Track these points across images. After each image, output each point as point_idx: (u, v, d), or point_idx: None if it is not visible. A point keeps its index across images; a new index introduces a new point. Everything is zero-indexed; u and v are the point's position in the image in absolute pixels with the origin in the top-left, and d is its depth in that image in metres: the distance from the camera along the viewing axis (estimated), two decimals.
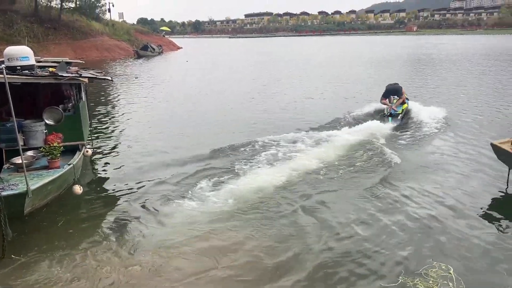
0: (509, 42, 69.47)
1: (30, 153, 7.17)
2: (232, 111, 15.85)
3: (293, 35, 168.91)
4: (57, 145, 6.94)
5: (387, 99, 13.54)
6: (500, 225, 6.26)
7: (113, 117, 15.04)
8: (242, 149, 10.18)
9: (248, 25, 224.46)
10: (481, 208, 6.80)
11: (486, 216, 6.54)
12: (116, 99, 19.06)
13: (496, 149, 7.49)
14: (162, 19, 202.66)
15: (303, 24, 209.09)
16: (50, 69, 8.13)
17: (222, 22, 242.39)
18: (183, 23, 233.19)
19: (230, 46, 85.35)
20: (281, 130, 11.93)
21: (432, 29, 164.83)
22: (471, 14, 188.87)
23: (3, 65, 7.00)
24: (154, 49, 53.98)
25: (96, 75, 9.33)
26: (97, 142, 11.22)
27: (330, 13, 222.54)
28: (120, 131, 12.74)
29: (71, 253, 5.56)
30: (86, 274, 5.09)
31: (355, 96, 18.67)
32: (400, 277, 4.90)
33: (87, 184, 8.22)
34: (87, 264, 5.29)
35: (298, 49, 65.58)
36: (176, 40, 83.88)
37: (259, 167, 8.78)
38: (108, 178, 8.60)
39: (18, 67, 7.36)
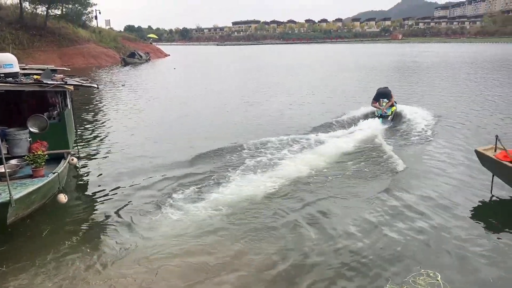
0: (492, 50, 70.99)
1: (14, 161, 7.06)
2: (220, 116, 15.83)
3: (280, 42, 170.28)
4: (42, 154, 6.83)
5: (378, 102, 14.29)
6: (486, 232, 6.32)
7: (99, 124, 14.89)
8: (229, 155, 10.16)
9: (235, 33, 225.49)
10: (467, 215, 6.85)
11: (471, 223, 6.59)
12: (102, 107, 18.88)
13: (480, 155, 7.54)
14: (149, 26, 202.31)
15: (290, 32, 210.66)
16: (35, 76, 8.01)
17: (209, 29, 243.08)
18: (171, 31, 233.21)
19: (218, 53, 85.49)
20: (269, 134, 12.07)
21: (417, 37, 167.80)
22: (454, 23, 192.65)
23: None
24: (141, 56, 53.82)
25: (82, 83, 9.23)
26: (83, 150, 11.06)
27: (316, 21, 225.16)
28: (106, 139, 12.60)
29: (55, 264, 5.45)
30: (70, 285, 4.98)
31: (345, 100, 19.07)
32: (387, 286, 4.90)
33: (72, 192, 8.10)
34: (71, 275, 5.18)
35: (287, 56, 65.93)
36: (164, 47, 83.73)
37: (246, 174, 8.75)
38: (94, 186, 8.47)
39: (1, 75, 7.25)
